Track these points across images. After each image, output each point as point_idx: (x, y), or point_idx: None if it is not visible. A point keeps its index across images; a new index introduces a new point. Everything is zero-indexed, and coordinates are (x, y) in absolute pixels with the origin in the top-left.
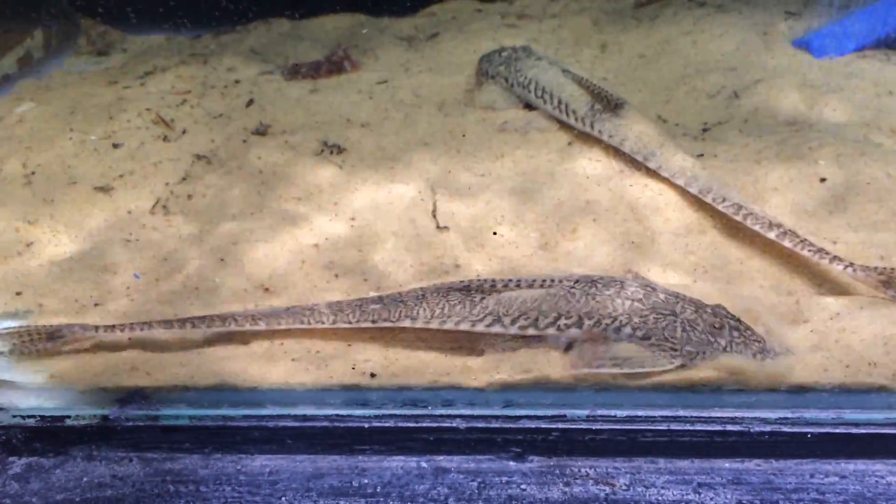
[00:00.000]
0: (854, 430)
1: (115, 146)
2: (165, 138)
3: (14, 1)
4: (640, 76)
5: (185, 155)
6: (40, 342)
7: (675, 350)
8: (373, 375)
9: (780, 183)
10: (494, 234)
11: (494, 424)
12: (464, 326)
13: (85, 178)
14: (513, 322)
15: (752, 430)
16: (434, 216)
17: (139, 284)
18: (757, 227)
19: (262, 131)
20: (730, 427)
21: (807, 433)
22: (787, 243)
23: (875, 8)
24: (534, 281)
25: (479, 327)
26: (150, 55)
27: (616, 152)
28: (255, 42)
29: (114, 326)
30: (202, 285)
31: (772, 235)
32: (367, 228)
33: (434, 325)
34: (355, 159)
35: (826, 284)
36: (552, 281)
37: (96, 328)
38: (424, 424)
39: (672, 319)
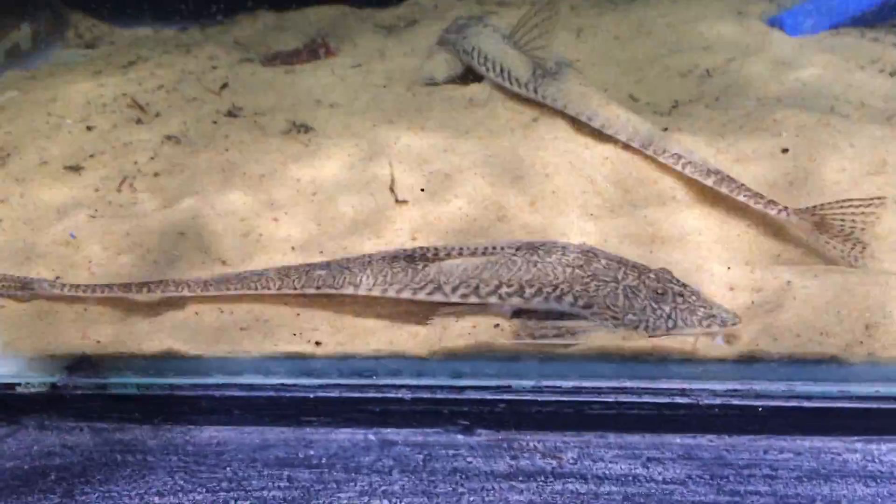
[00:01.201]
0: (807, 404)
1: (89, 128)
2: (139, 121)
3: None
4: (614, 57)
5: (157, 136)
6: (13, 289)
7: (617, 318)
8: (318, 344)
9: (741, 154)
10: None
11: (440, 395)
12: (405, 294)
13: (57, 159)
14: (454, 290)
15: (701, 402)
16: (392, 190)
17: (101, 259)
18: (696, 176)
19: (233, 113)
20: (678, 399)
21: (758, 406)
22: (723, 189)
23: None
24: (475, 248)
25: (421, 295)
26: (135, 47)
27: (579, 125)
28: (239, 33)
29: (77, 286)
30: (161, 258)
31: (709, 182)
32: (328, 203)
33: (376, 292)
34: (321, 137)
35: (785, 255)
36: (494, 248)
37: (63, 286)
38: (370, 395)
39: (614, 287)
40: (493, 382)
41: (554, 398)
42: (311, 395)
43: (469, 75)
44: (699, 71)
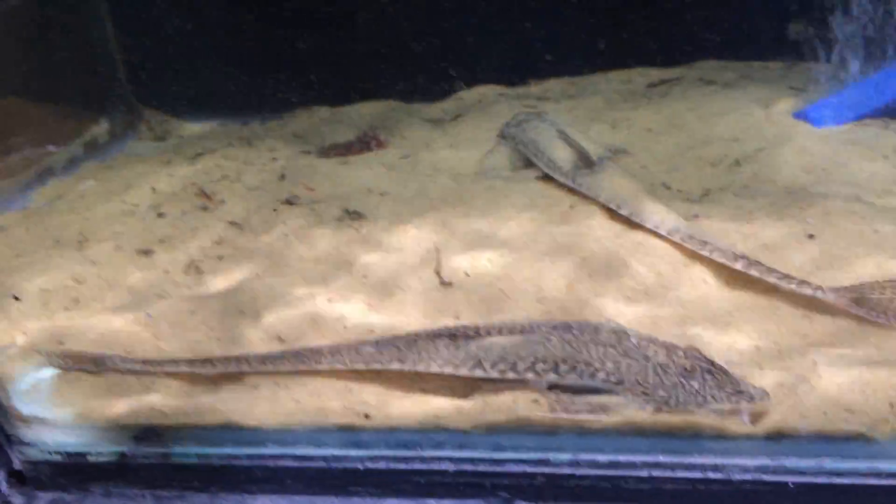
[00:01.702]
0: (837, 480)
1: (160, 215)
2: (205, 208)
3: (82, 92)
4: (647, 147)
5: (221, 222)
6: (85, 364)
7: (647, 394)
8: (367, 416)
9: (769, 240)
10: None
11: (482, 468)
12: (448, 370)
13: (130, 243)
14: (493, 366)
15: (733, 477)
16: (437, 273)
17: (169, 336)
18: (722, 260)
19: (291, 201)
20: (711, 474)
21: (787, 483)
22: (753, 272)
23: (872, 80)
24: (514, 327)
25: (463, 370)
26: (202, 139)
27: (613, 214)
28: (296, 127)
29: (148, 361)
30: (223, 336)
31: (738, 266)
32: (379, 284)
33: (421, 367)
34: (371, 224)
35: (813, 336)
36: (531, 327)
37: (134, 361)
38: (416, 466)
39: (644, 364)
40: (532, 456)
41: (590, 472)
42: (360, 467)
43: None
44: (729, 161)
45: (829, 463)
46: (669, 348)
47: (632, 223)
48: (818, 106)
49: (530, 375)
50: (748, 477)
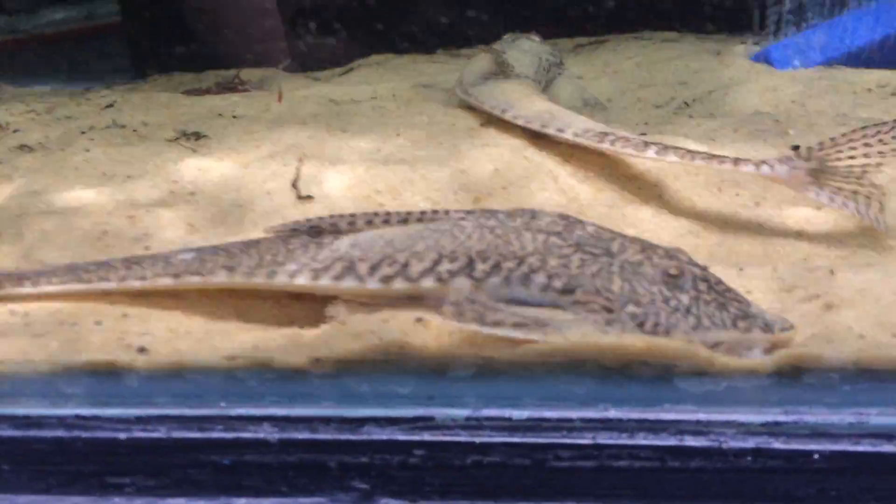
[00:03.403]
0: (888, 447)
1: None
2: None
3: None
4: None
5: (6, 148)
6: None
7: (611, 310)
8: (142, 350)
9: (742, 154)
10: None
11: (324, 435)
12: (301, 280)
13: None
14: (372, 270)
15: (724, 445)
16: (295, 185)
17: None
18: (629, 151)
19: (111, 127)
20: (690, 441)
21: (812, 452)
22: (672, 158)
23: (840, 20)
24: (409, 214)
25: (325, 280)
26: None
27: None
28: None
29: None
30: None
31: (650, 154)
32: (208, 203)
33: (259, 278)
34: (214, 143)
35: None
36: (436, 213)
37: None
38: (215, 434)
39: (606, 262)
40: (408, 411)
41: (500, 439)
42: (123, 436)
43: None
44: (676, 103)
45: (875, 417)
46: (644, 245)
47: (538, 136)
48: (781, 45)
49: (429, 283)
50: (749, 444)
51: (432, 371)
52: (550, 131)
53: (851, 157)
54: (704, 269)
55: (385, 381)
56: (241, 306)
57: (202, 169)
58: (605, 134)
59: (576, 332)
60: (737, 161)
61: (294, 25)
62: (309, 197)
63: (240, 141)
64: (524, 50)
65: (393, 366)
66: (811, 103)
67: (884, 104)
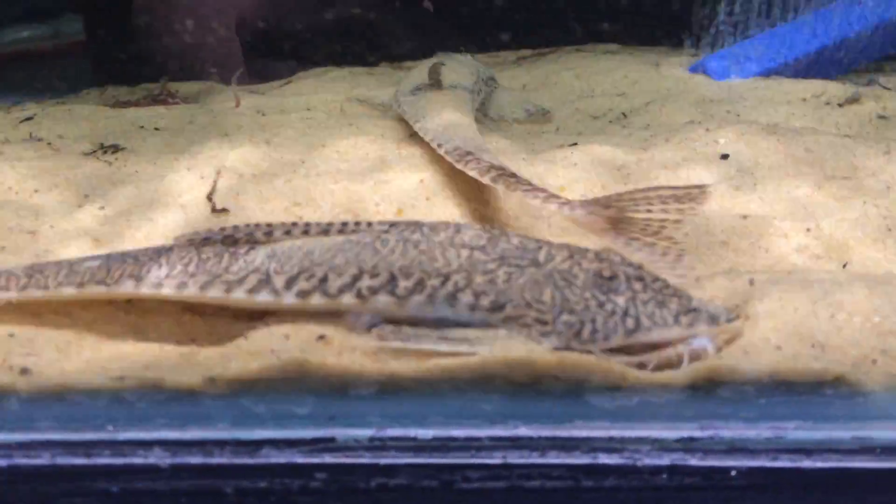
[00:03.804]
0: (808, 463)
1: None
2: None
3: None
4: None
5: None
6: None
7: (545, 323)
8: (24, 372)
9: (669, 162)
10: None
11: (219, 459)
12: (213, 293)
13: None
14: (289, 284)
15: (640, 463)
16: (210, 198)
17: None
18: (474, 174)
19: (27, 141)
20: (604, 458)
21: (730, 469)
22: (500, 186)
23: (778, 31)
24: (330, 226)
25: (238, 293)
26: None
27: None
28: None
29: None
30: None
31: (486, 180)
32: (117, 219)
33: (167, 290)
34: (130, 155)
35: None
36: (358, 224)
37: None
38: (102, 461)
39: (534, 273)
40: (308, 433)
41: (405, 460)
42: (4, 463)
43: None
44: (614, 114)
45: (792, 431)
46: (573, 251)
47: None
48: (717, 56)
49: (348, 299)
50: (664, 461)
51: (333, 390)
52: (433, 145)
53: (649, 212)
54: (639, 267)
55: (284, 401)
56: (139, 323)
57: (114, 182)
58: (466, 154)
59: (499, 344)
60: (547, 197)
61: (246, 38)
62: (224, 210)
63: (158, 153)
64: (462, 62)
65: (292, 385)
66: (745, 113)
67: (818, 114)
